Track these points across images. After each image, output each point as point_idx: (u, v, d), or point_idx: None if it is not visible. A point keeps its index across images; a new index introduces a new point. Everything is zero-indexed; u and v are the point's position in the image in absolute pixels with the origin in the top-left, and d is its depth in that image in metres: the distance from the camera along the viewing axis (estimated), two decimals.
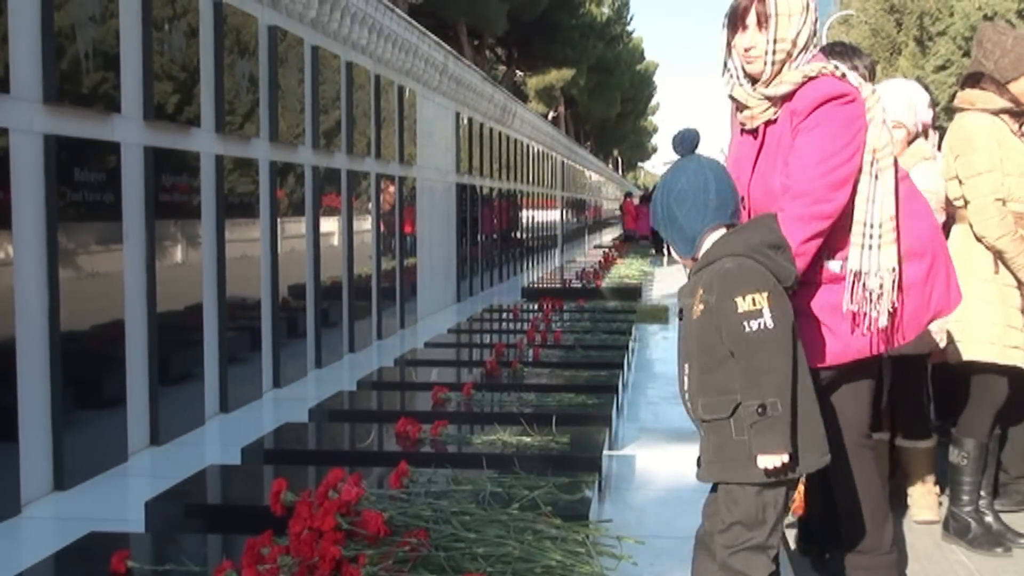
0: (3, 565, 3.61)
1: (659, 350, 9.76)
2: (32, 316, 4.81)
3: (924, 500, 4.92)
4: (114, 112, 5.54)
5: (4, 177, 4.58)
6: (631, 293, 13.68)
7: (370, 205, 10.27)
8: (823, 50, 4.32)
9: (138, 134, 5.83)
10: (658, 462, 5.47)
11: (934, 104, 5.31)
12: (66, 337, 4.99)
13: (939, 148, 5.00)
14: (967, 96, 4.59)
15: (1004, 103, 4.50)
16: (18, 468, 4.63)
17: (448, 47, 14.14)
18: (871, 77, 4.38)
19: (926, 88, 5.33)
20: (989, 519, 4.60)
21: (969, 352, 4.46)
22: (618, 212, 42.60)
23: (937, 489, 4.98)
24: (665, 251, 25.85)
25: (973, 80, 4.61)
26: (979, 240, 4.38)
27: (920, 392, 5.04)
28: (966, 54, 33.06)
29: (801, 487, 4.99)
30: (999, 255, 4.39)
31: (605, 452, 5.05)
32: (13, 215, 4.63)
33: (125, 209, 5.61)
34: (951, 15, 36.34)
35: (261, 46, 7.59)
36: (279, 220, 7.80)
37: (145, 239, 5.84)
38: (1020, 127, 4.56)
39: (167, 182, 6.06)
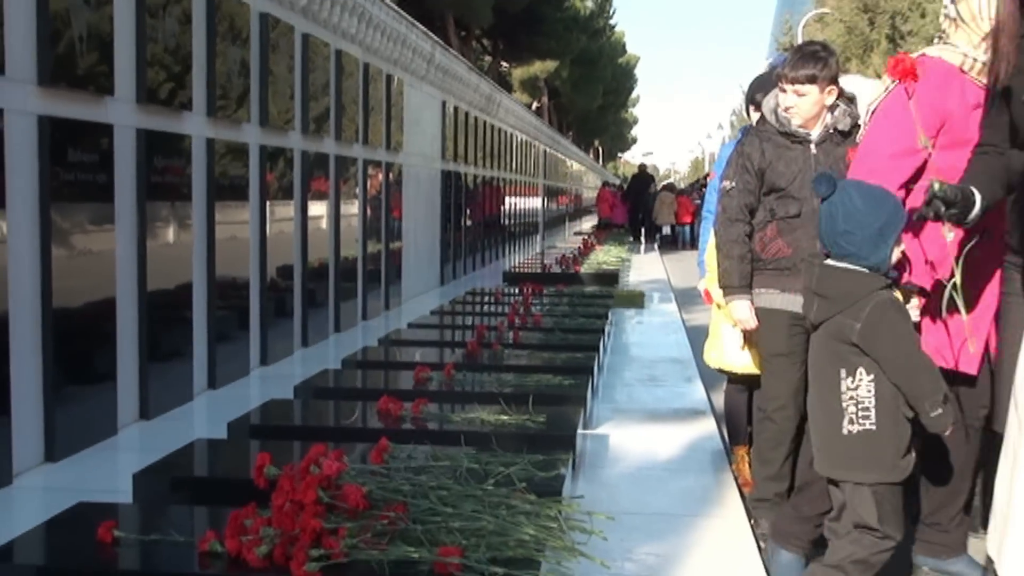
0: None
1: (634, 334, 9.79)
2: (25, 293, 4.79)
3: None
4: (107, 95, 5.51)
5: None
6: (609, 279, 13.70)
7: (357, 190, 10.26)
8: (796, 49, 4.32)
9: (131, 117, 5.80)
10: (631, 442, 5.50)
11: None
12: (58, 314, 4.98)
13: None
14: None
15: None
16: (10, 440, 4.63)
17: (435, 37, 14.11)
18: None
19: None
20: None
21: None
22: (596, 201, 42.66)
23: None
24: (642, 239, 25.92)
25: None
26: None
27: None
28: None
29: (745, 464, 5.04)
30: None
31: (580, 431, 5.08)
32: (7, 194, 4.61)
33: (117, 190, 5.59)
34: (922, 16, 36.42)
35: (253, 33, 7.56)
36: (268, 203, 7.78)
37: (137, 220, 5.82)
38: None
39: (159, 164, 6.04)
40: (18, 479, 4.65)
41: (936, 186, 3.08)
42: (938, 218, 3.13)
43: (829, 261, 3.36)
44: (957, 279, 3.26)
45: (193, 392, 6.51)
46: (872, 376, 3.27)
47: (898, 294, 3.42)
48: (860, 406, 3.29)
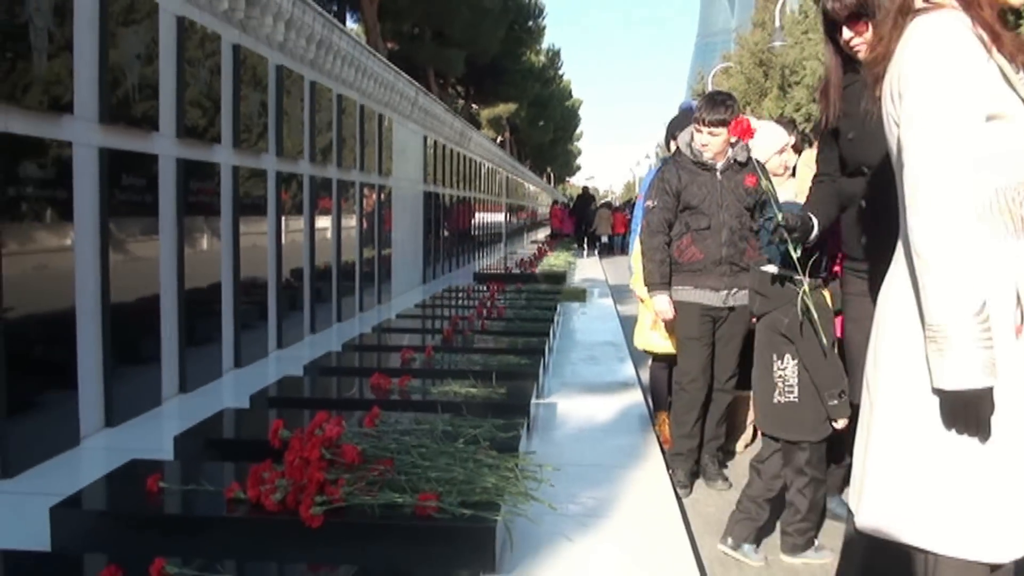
0: (68, 484, 3.60)
1: (578, 322, 9.82)
2: (87, 291, 4.77)
3: None
4: (154, 131, 5.49)
5: (68, 181, 4.54)
6: (558, 278, 13.72)
7: (355, 207, 10.23)
8: (705, 96, 4.37)
9: (172, 148, 5.78)
10: (574, 408, 5.53)
11: (797, 132, 5.43)
12: (114, 308, 4.96)
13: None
14: None
15: None
16: (77, 409, 4.61)
17: (419, 84, 14.08)
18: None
19: (792, 121, 5.47)
20: None
21: None
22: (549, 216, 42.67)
23: None
24: (585, 246, 25.96)
25: None
26: None
27: None
28: (813, 100, 33.36)
29: (665, 426, 5.09)
30: None
31: (533, 400, 5.10)
32: (75, 211, 4.59)
33: (161, 207, 5.57)
34: (803, 69, 36.71)
35: (270, 81, 7.54)
36: (283, 218, 7.75)
37: (176, 231, 5.79)
38: None
39: (194, 186, 6.01)
40: (84, 441, 4.64)
41: (779, 217, 3.19)
42: (783, 241, 3.23)
43: (766, 267, 3.48)
44: (805, 286, 3.33)
45: (222, 370, 6.48)
46: (796, 361, 3.41)
47: (826, 293, 3.47)
48: (786, 383, 3.44)
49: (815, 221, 3.24)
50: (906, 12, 2.13)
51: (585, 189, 34.91)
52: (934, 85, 2.00)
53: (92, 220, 4.82)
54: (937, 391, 2.03)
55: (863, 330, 2.76)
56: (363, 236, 10.54)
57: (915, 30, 2.06)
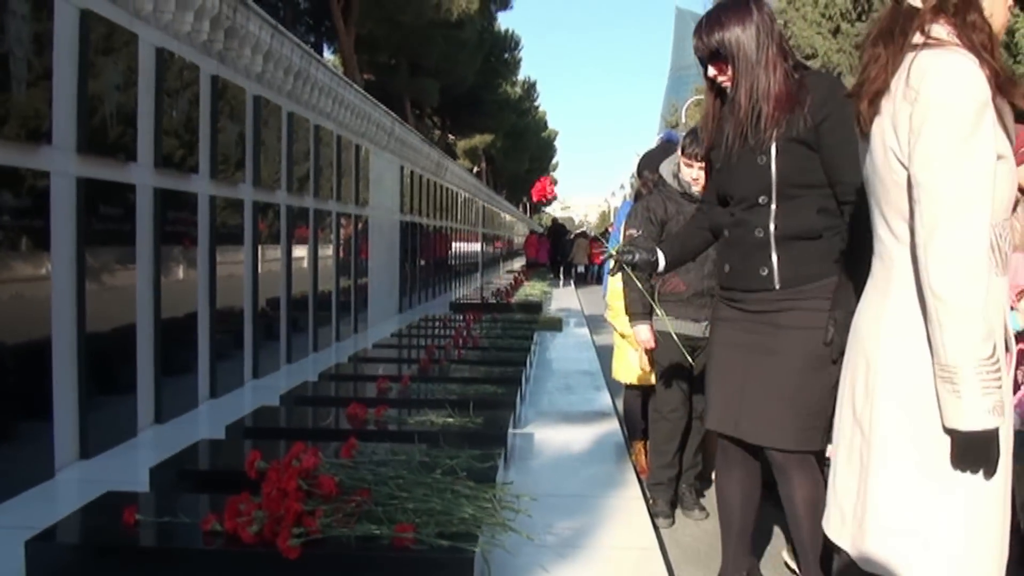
0: (41, 517, 3.54)
1: (554, 351, 9.83)
2: (63, 319, 4.74)
3: None
4: (131, 160, 5.48)
5: (45, 210, 4.52)
6: (534, 308, 13.73)
7: (332, 236, 10.22)
8: (691, 131, 4.39)
9: (150, 178, 5.76)
10: (551, 438, 5.52)
11: None
12: (90, 337, 4.92)
13: None
14: None
15: None
16: (52, 441, 4.56)
17: (395, 115, 14.13)
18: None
19: None
20: None
21: None
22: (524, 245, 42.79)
23: None
24: (561, 276, 26.00)
25: None
26: None
27: None
28: None
29: (642, 455, 5.08)
30: None
31: (510, 430, 5.09)
32: (51, 240, 4.56)
33: (138, 236, 5.54)
34: None
35: (248, 111, 7.54)
36: (260, 247, 7.73)
37: (153, 261, 5.76)
38: None
39: (172, 216, 5.99)
40: (59, 473, 4.58)
41: (615, 253, 3.29)
42: (629, 276, 3.32)
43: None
44: (660, 313, 3.43)
45: (198, 400, 6.43)
46: None
47: None
48: None
49: (660, 256, 3.28)
50: (901, 44, 2.13)
51: (554, 220, 35.16)
52: (961, 129, 1.99)
53: (69, 249, 4.79)
54: (950, 431, 2.04)
55: (729, 353, 2.96)
56: (340, 265, 10.53)
57: (933, 68, 2.04)
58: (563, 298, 18.39)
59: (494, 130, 41.12)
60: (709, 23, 2.95)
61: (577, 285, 24.64)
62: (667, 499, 4.50)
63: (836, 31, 26.87)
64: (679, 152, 4.37)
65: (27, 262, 4.39)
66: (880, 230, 2.20)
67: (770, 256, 2.91)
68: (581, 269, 27.98)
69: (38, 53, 4.45)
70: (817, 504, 3.03)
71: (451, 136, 40.55)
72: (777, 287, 2.92)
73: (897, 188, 2.11)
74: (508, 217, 44.59)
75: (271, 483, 3.16)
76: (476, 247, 27.27)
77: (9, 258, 4.23)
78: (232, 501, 3.12)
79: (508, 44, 40.07)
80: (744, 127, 2.92)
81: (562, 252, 28.58)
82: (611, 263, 3.39)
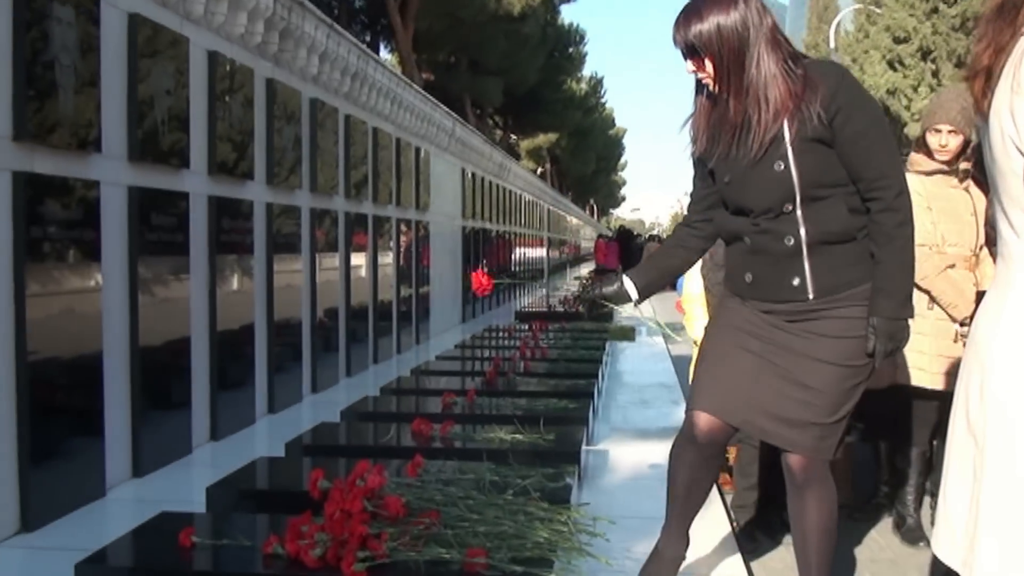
0: (92, 539, 3.59)
1: (627, 363, 9.75)
2: (115, 333, 4.80)
3: None
4: (184, 167, 5.54)
5: (95, 220, 4.58)
6: (604, 316, 13.63)
7: (391, 244, 10.28)
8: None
9: (204, 185, 5.83)
10: (626, 455, 5.46)
11: None
12: (142, 351, 4.98)
13: None
14: (909, 159, 4.36)
15: (935, 165, 4.27)
16: (103, 458, 4.62)
17: (456, 115, 14.18)
18: None
19: None
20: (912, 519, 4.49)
21: (904, 378, 4.30)
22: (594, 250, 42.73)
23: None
24: None
25: (918, 144, 4.40)
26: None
27: None
28: None
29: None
30: (928, 293, 4.22)
31: (583, 447, 5.04)
32: (102, 251, 4.63)
33: (192, 246, 5.61)
34: None
35: (304, 114, 7.61)
36: (317, 255, 7.79)
37: (208, 271, 5.83)
38: (962, 181, 4.27)
39: (226, 224, 6.05)
40: (110, 492, 4.64)
41: (582, 291, 3.30)
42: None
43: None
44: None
45: (255, 416, 6.49)
46: None
47: None
48: None
49: (628, 284, 3.23)
50: (1012, 20, 2.04)
51: (621, 225, 35.19)
52: None
53: (120, 261, 4.86)
54: None
55: (736, 338, 2.94)
56: (400, 274, 10.58)
57: None
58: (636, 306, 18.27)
59: (558, 129, 41.17)
60: (687, 14, 2.78)
61: None
62: (754, 522, 4.41)
63: (933, 11, 26.24)
64: None
65: (77, 274, 4.45)
66: (1001, 225, 2.10)
67: (802, 265, 2.80)
68: None
69: (85, 59, 4.52)
70: (830, 533, 2.97)
71: (513, 136, 40.66)
72: (811, 297, 2.82)
73: (1016, 178, 2.01)
74: (574, 220, 44.56)
75: (334, 504, 3.16)
76: (541, 252, 27.27)
77: (58, 270, 4.30)
78: (294, 523, 3.12)
79: (572, 38, 40.03)
80: (739, 132, 2.79)
81: (632, 257, 28.44)
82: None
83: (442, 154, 13.38)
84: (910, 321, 2.83)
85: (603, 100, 55.77)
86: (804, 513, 2.94)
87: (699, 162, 3.07)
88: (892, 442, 4.70)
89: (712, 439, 3.00)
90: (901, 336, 2.79)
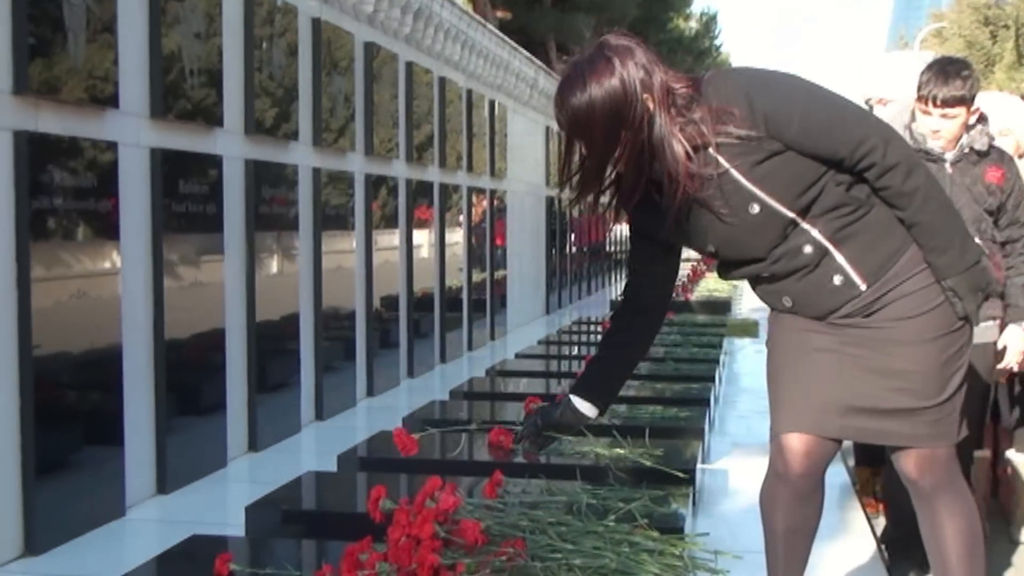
0: (109, 565, 3.67)
1: (749, 364, 9.65)
2: (137, 325, 4.89)
3: None
4: (216, 126, 5.62)
5: (112, 189, 4.67)
6: (721, 307, 13.53)
7: (461, 218, 10.32)
8: (934, 66, 4.20)
9: (239, 148, 5.91)
10: (751, 476, 5.39)
11: None
12: (169, 345, 5.07)
13: None
14: None
15: None
16: (123, 472, 4.71)
17: (538, 62, 14.17)
18: None
19: None
20: None
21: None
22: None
23: None
24: None
25: None
26: None
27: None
28: None
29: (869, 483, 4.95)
30: None
31: (698, 465, 5.00)
32: (120, 226, 4.72)
33: (226, 221, 5.69)
34: None
35: (357, 62, 7.67)
36: (373, 232, 7.86)
37: (245, 250, 5.92)
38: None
39: (266, 194, 6.13)
40: (131, 511, 4.73)
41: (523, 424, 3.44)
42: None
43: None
44: None
45: (301, 424, 6.57)
46: None
47: None
48: None
49: (578, 404, 3.22)
50: None
51: None
52: None
53: (142, 237, 4.95)
54: None
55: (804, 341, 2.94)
56: (471, 254, 10.62)
57: None
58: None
59: None
60: (560, 90, 2.80)
61: None
62: (907, 558, 4.34)
63: None
64: (913, 95, 4.20)
65: (91, 254, 4.55)
66: None
67: (835, 260, 2.83)
68: None
69: (99, 1, 4.60)
70: (974, 541, 2.93)
71: None
72: (863, 288, 2.83)
73: None
74: None
75: (399, 528, 3.17)
76: None
77: (68, 250, 4.39)
78: (350, 550, 3.13)
79: None
80: (679, 202, 2.81)
81: None
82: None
83: (522, 109, 13.38)
84: (983, 259, 2.84)
85: (717, 42, 55.20)
86: (936, 530, 2.92)
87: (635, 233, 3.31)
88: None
89: (808, 468, 2.97)
90: (984, 280, 2.84)
